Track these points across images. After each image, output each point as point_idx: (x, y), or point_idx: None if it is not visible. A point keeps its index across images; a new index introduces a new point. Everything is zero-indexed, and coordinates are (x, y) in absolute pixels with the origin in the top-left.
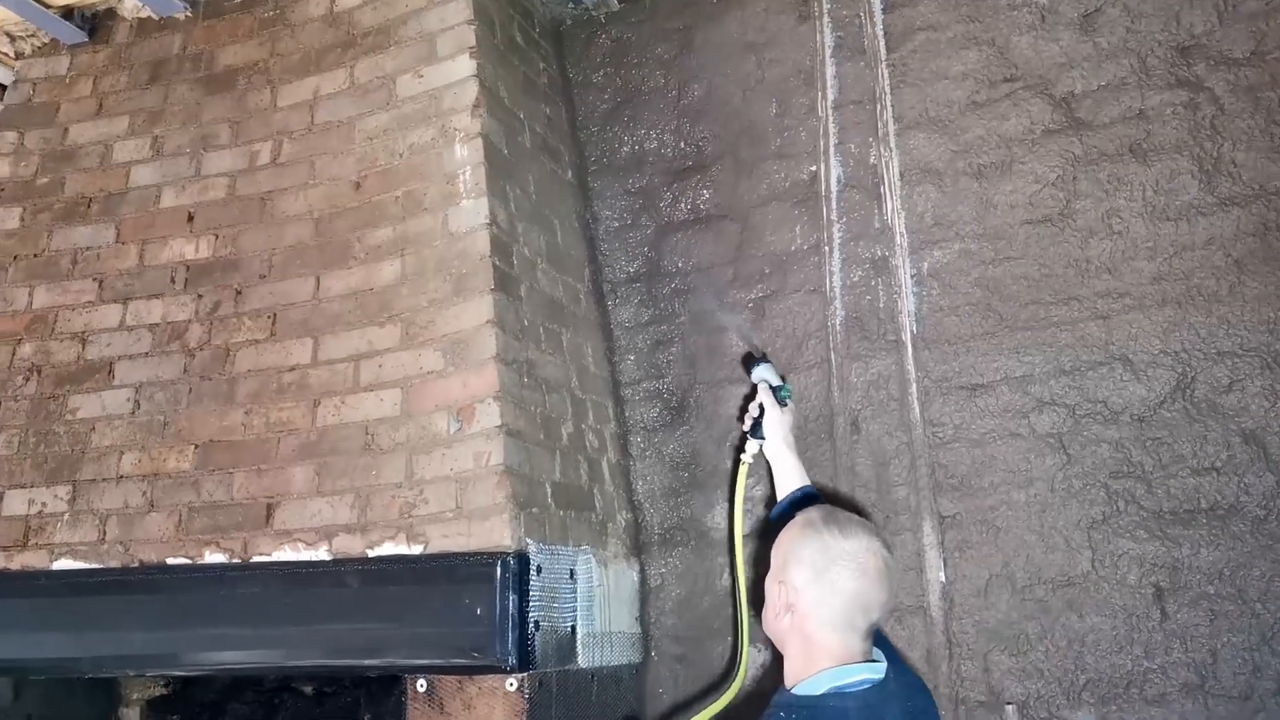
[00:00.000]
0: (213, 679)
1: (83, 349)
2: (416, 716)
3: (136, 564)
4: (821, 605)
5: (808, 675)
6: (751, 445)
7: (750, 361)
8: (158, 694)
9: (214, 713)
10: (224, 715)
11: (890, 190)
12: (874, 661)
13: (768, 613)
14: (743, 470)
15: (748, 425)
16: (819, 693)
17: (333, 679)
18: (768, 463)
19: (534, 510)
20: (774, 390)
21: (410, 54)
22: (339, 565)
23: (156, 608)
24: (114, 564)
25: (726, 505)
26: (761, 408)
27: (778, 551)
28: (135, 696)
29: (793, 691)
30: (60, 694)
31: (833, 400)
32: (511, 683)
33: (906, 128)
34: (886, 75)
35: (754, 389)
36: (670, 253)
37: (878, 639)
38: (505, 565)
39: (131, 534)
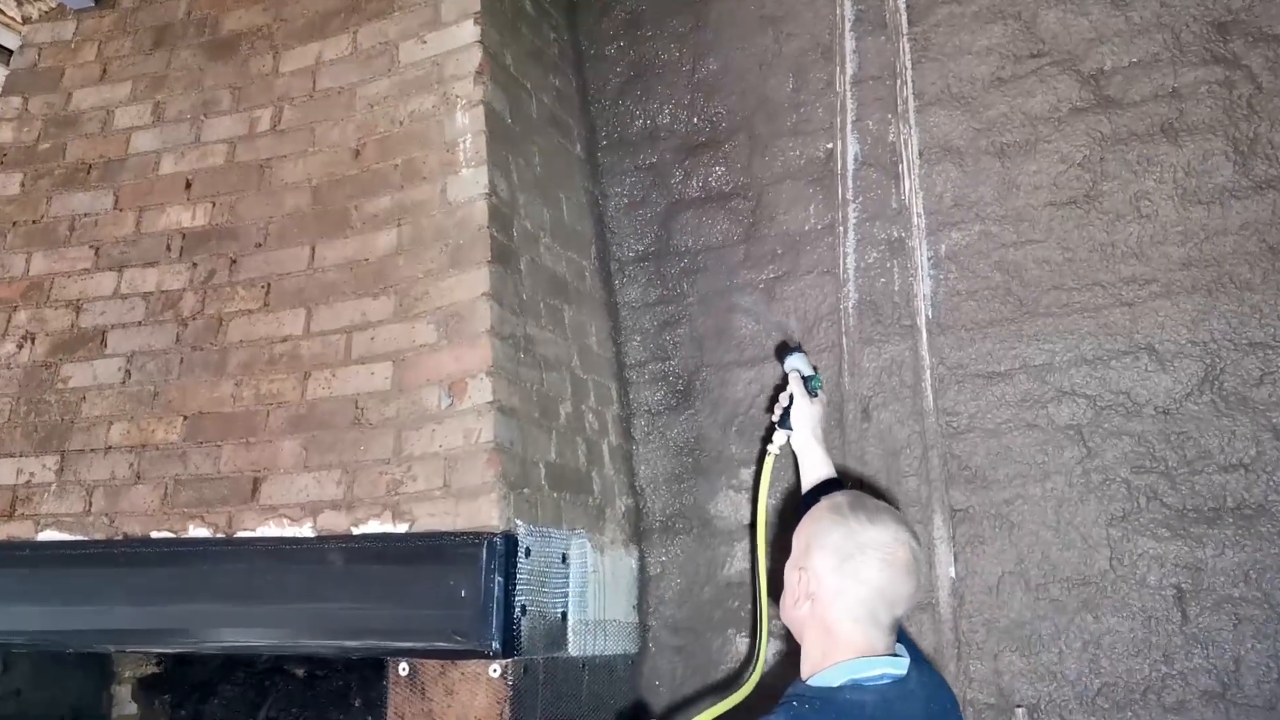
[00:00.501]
0: (204, 658)
1: (77, 317)
2: (398, 701)
3: (120, 536)
4: (844, 595)
5: (825, 666)
6: (779, 436)
7: (784, 351)
8: (149, 672)
9: (205, 693)
10: (215, 696)
11: (908, 169)
12: (896, 657)
13: (786, 600)
14: (768, 463)
15: (776, 415)
16: (835, 684)
17: (325, 662)
18: (794, 455)
19: (525, 491)
20: (805, 381)
21: (414, 19)
22: (323, 542)
23: (138, 582)
24: (98, 536)
25: (750, 499)
26: (791, 398)
27: (800, 537)
28: (127, 674)
29: (809, 682)
30: (50, 670)
31: (843, 386)
32: (495, 669)
33: (927, 104)
34: (908, 50)
35: (785, 378)
36: (680, 231)
37: (901, 636)
38: (492, 546)
39: (117, 506)
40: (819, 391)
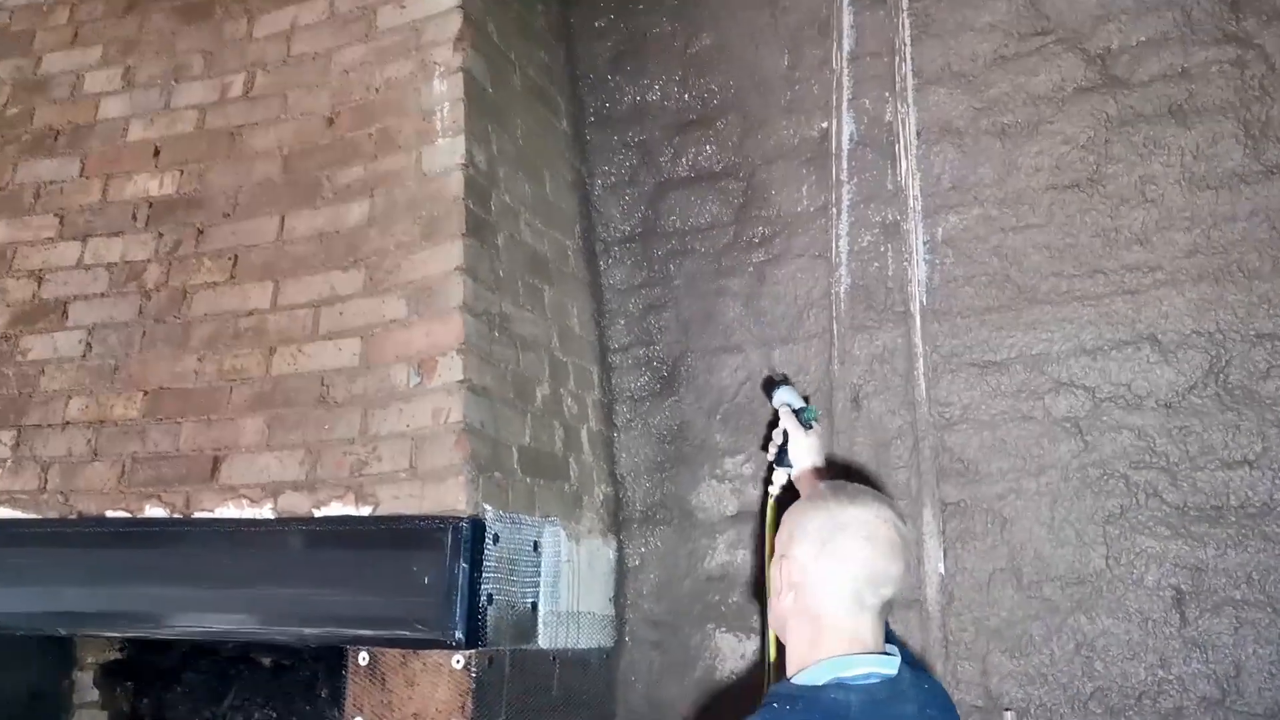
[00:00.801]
0: (168, 645)
1: (38, 287)
2: (356, 692)
3: (75, 515)
4: (828, 579)
5: (810, 662)
6: (779, 475)
7: (770, 386)
8: (112, 658)
9: (168, 680)
10: (178, 684)
11: (905, 149)
12: (887, 655)
13: (772, 599)
14: (771, 505)
15: (772, 454)
16: (820, 683)
17: (292, 651)
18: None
19: (496, 475)
20: (797, 414)
21: None
22: (283, 525)
23: (91, 563)
24: (53, 515)
25: (755, 544)
26: (786, 434)
27: (782, 531)
28: (89, 660)
29: (792, 681)
30: (9, 653)
31: (833, 374)
32: (458, 659)
33: (926, 82)
34: (907, 25)
35: (776, 415)
36: (668, 212)
37: (890, 636)
38: (457, 531)
39: (72, 484)
40: (814, 422)
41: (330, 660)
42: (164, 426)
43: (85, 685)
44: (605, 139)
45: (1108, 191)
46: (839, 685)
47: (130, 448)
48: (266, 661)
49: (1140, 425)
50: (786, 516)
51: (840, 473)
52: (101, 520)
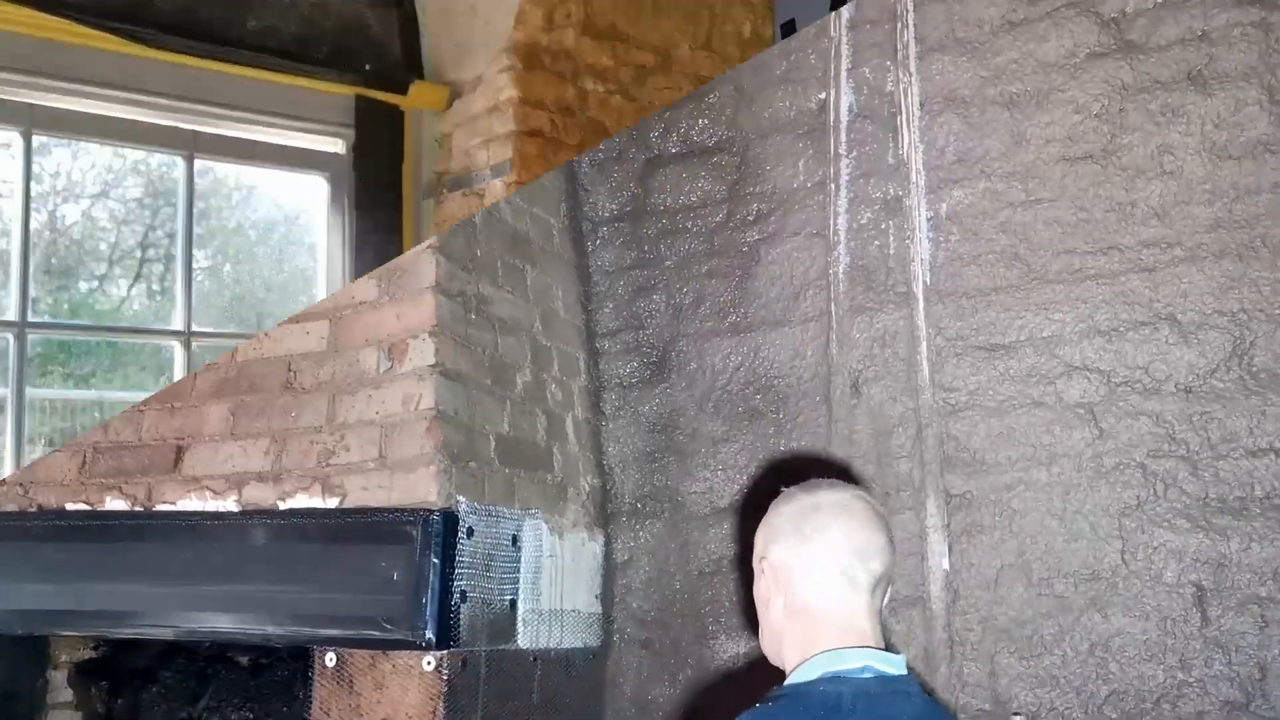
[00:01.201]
0: (142, 644)
1: None
2: (323, 695)
3: (34, 508)
4: (814, 564)
5: (808, 657)
6: None
7: None
8: (86, 657)
9: (144, 680)
10: (154, 684)
11: (908, 121)
12: (888, 653)
13: (761, 621)
14: None
15: None
16: (811, 679)
17: (269, 650)
18: None
19: (471, 464)
20: None
21: None
22: (246, 518)
23: (50, 559)
24: (11, 508)
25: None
26: None
27: (757, 539)
28: (64, 659)
29: (786, 683)
30: None
31: (831, 358)
32: (429, 661)
33: (930, 50)
34: None
35: None
36: (659, 189)
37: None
38: (428, 524)
39: (32, 475)
40: None
41: (309, 660)
42: (126, 414)
43: (59, 685)
44: None
45: (1123, 163)
46: (832, 679)
47: (92, 437)
48: (244, 661)
49: (1158, 411)
50: (759, 529)
51: (837, 473)
52: (61, 513)
